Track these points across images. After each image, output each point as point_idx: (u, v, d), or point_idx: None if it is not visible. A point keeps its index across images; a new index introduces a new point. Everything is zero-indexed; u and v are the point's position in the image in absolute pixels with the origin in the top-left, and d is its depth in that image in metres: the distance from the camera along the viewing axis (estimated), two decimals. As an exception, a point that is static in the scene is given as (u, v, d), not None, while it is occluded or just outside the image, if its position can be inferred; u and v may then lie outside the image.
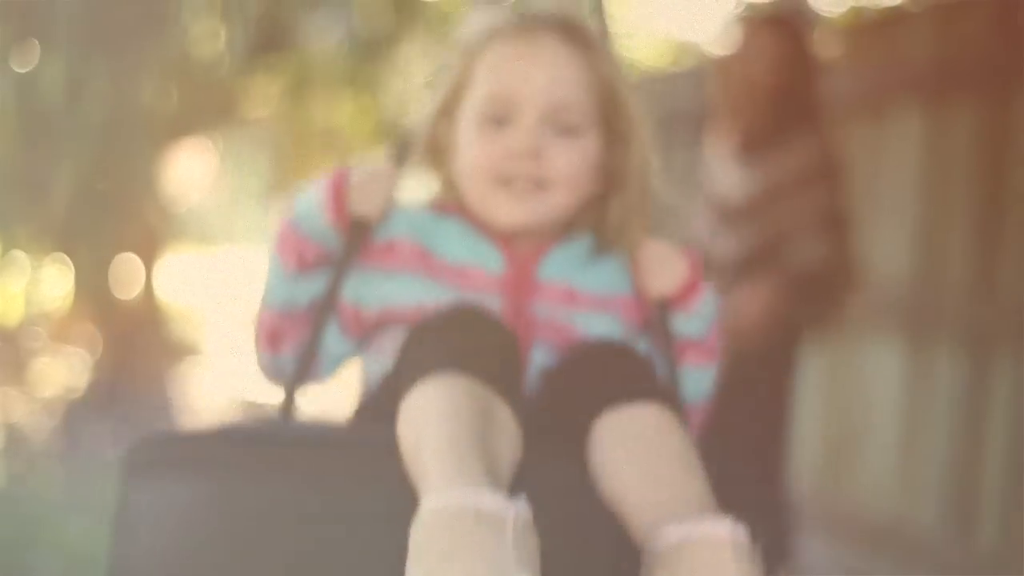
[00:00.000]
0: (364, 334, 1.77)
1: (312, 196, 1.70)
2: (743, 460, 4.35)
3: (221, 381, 9.31)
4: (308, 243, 1.69)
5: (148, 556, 1.62)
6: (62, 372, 8.42)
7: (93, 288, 7.98)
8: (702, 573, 1.54)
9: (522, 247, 1.73)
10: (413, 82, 10.05)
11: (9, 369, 8.27)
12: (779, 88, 4.22)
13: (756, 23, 4.33)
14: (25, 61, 7.97)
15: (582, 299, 1.72)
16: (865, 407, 5.45)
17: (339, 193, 1.68)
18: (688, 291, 1.74)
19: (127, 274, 8.61)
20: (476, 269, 1.70)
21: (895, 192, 5.29)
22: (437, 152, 1.76)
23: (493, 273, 1.71)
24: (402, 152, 1.76)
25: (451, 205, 1.75)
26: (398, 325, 1.69)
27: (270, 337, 1.80)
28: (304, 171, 15.10)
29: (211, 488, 1.58)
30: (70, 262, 8.10)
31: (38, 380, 8.41)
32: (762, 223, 4.22)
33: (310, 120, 10.08)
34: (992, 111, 4.78)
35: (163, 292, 8.68)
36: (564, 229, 1.76)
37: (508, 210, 1.68)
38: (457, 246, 1.71)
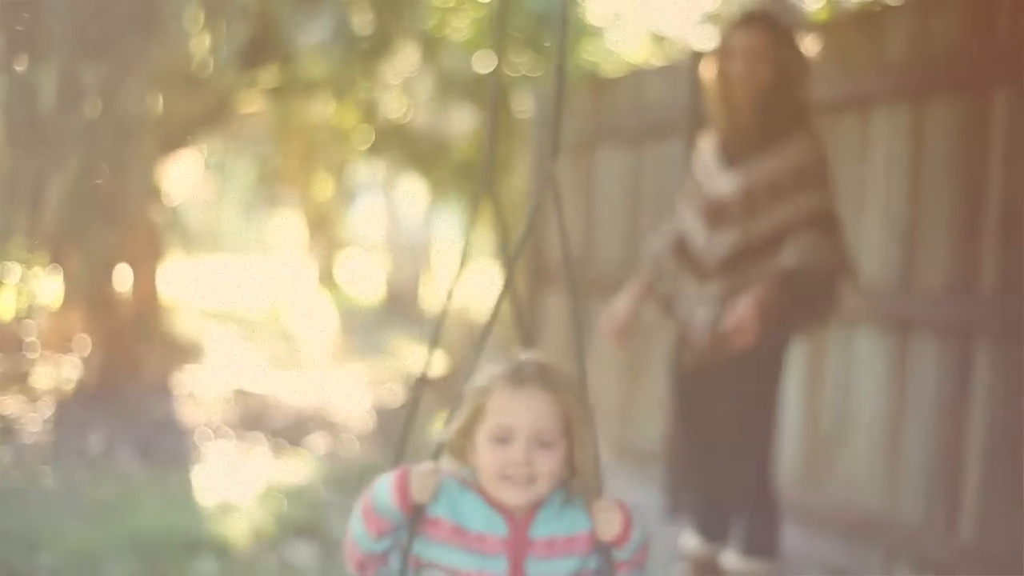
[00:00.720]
0: (419, 569, 2.57)
1: (385, 490, 2.54)
2: (737, 456, 4.41)
3: (213, 379, 9.34)
4: (384, 520, 2.54)
5: None
6: (55, 372, 8.44)
7: (87, 290, 8.00)
8: None
9: (518, 515, 2.54)
10: (397, 84, 10.10)
11: (5, 369, 8.28)
12: (766, 85, 4.27)
13: (742, 21, 4.37)
14: (18, 69, 8.00)
15: (558, 545, 2.57)
16: (848, 402, 5.50)
17: (403, 489, 2.52)
18: (622, 537, 2.58)
19: (121, 276, 8.64)
20: (489, 535, 2.54)
21: (880, 190, 5.34)
22: (462, 454, 2.59)
23: (500, 537, 2.54)
24: (437, 457, 2.60)
25: (471, 483, 2.57)
26: (440, 572, 2.54)
27: (358, 566, 2.60)
28: (290, 177, 15.14)
29: None
30: (64, 264, 8.14)
31: (32, 380, 8.43)
32: (754, 221, 4.28)
33: (297, 125, 10.11)
34: (972, 107, 4.84)
35: (154, 294, 8.70)
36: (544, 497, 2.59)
37: (510, 496, 2.52)
38: (477, 518, 2.54)
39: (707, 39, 4.77)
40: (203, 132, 9.37)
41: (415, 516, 2.53)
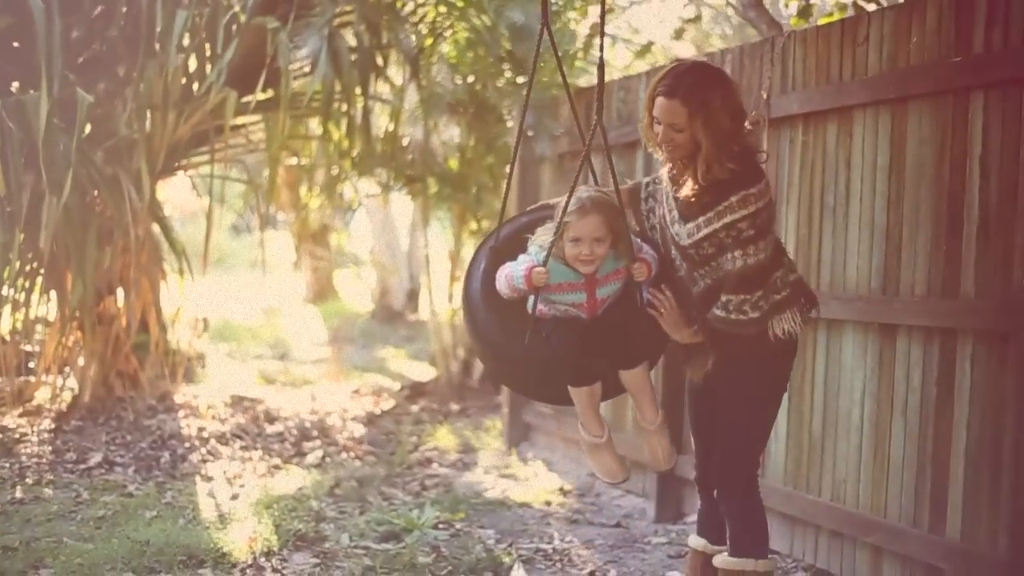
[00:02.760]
0: (545, 301, 4.41)
1: (520, 278, 4.33)
2: (724, 459, 4.50)
3: (210, 392, 9.37)
4: (519, 290, 4.37)
5: None
6: (54, 389, 8.45)
7: (83, 309, 8.02)
8: None
9: (588, 271, 4.39)
10: (391, 98, 10.13)
11: (3, 386, 8.29)
12: (688, 151, 4.29)
13: (660, 88, 4.32)
14: (12, 91, 8.05)
15: (610, 276, 4.38)
16: (834, 404, 5.57)
17: (529, 279, 4.31)
18: (647, 278, 4.44)
19: (115, 295, 8.66)
20: (575, 281, 4.36)
21: (862, 195, 5.40)
22: (559, 247, 4.34)
23: (580, 282, 4.36)
24: (547, 257, 4.33)
25: (560, 256, 4.34)
26: (553, 301, 4.41)
27: (512, 292, 4.41)
28: (281, 195, 15.15)
29: None
30: (61, 284, 8.17)
31: (32, 396, 8.45)
32: (710, 268, 4.35)
33: (288, 144, 10.13)
34: (950, 115, 4.91)
35: (150, 311, 8.73)
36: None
37: (583, 268, 4.34)
38: (567, 277, 4.35)
39: (688, 45, 4.77)
40: (195, 151, 9.40)
41: (536, 292, 4.33)
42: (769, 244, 4.30)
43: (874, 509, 5.29)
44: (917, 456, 5.06)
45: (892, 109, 5.22)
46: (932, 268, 5.00)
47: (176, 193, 12.50)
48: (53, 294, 8.32)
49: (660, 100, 4.29)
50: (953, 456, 4.88)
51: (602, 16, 4.44)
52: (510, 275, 4.38)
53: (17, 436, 7.71)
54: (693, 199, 4.30)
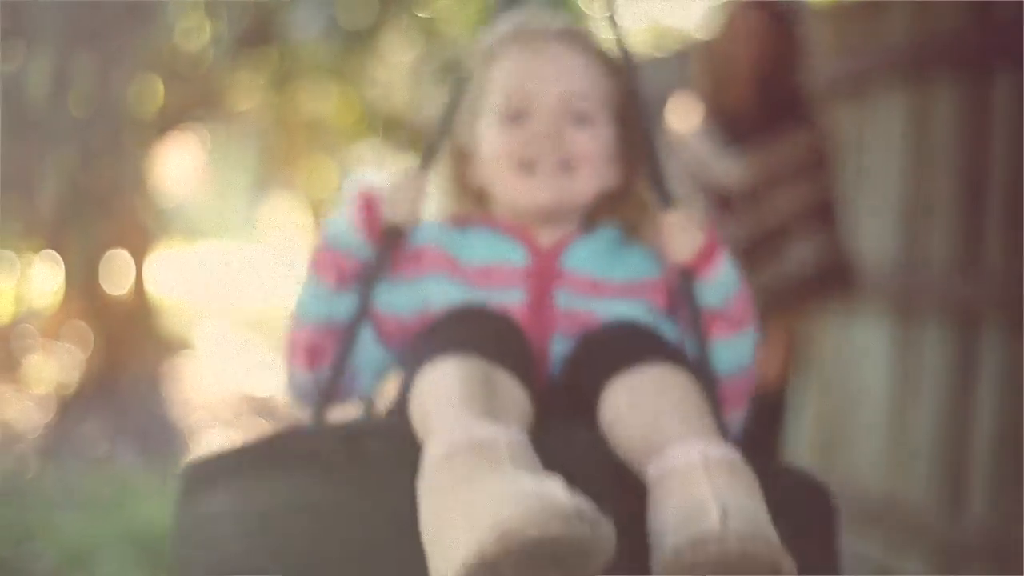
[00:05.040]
0: (407, 342, 1.80)
1: (344, 214, 1.79)
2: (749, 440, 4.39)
3: (213, 374, 9.34)
4: (346, 258, 1.77)
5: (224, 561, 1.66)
6: (54, 368, 8.43)
7: (83, 284, 8.00)
8: (673, 498, 1.52)
9: (545, 240, 1.80)
10: (397, 71, 10.09)
11: (1, 366, 8.29)
12: (763, 68, 4.21)
13: (739, 7, 4.30)
14: (11, 59, 7.99)
15: (606, 288, 1.78)
16: (854, 386, 5.48)
17: (369, 206, 1.76)
18: (706, 257, 1.77)
19: (117, 269, 8.63)
20: (501, 265, 1.77)
21: (881, 172, 5.32)
22: (460, 156, 1.84)
23: (517, 265, 1.78)
24: (428, 157, 1.82)
25: (472, 217, 1.83)
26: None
27: (309, 354, 1.86)
28: (290, 164, 15.11)
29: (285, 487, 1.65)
30: (60, 259, 8.13)
31: (30, 377, 8.43)
32: (759, 214, 4.24)
33: (295, 113, 10.09)
34: (972, 90, 4.81)
35: (153, 287, 8.69)
36: (586, 223, 1.84)
37: (535, 193, 1.75)
38: (481, 250, 1.79)
39: (702, 27, 4.68)
40: (200, 120, 9.36)
41: (387, 244, 1.77)
42: (834, 187, 4.28)
43: (894, 491, 5.21)
44: (938, 436, 4.97)
45: (914, 79, 5.12)
46: (954, 243, 4.91)
47: (181, 162, 12.46)
48: (51, 268, 8.30)
49: (741, 15, 4.23)
50: (975, 436, 4.78)
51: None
52: (325, 235, 1.83)
53: (14, 415, 7.69)
54: (753, 122, 4.21)
